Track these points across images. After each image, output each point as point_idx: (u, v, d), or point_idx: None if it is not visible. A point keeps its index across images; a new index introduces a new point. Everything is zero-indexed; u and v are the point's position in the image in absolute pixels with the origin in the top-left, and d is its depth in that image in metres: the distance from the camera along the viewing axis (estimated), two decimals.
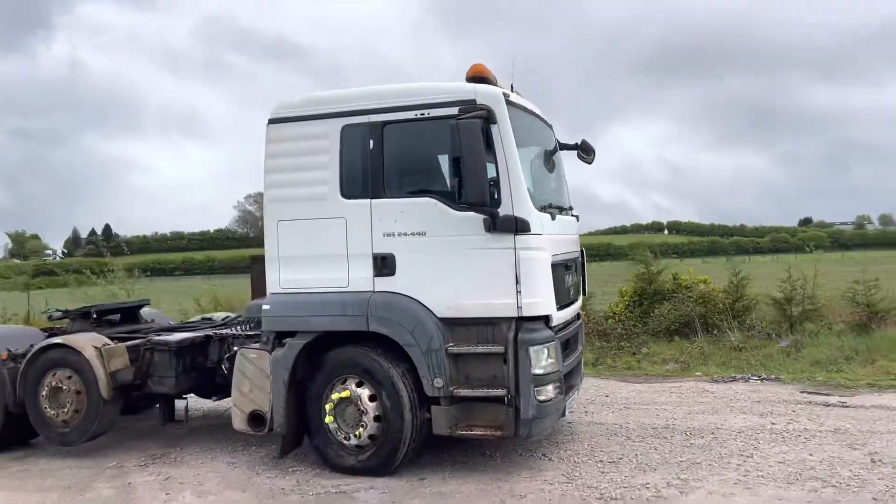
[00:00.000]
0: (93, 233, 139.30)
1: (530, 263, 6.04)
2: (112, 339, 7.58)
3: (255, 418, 6.69)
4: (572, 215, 7.48)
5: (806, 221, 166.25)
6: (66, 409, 7.27)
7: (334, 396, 6.39)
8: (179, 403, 7.78)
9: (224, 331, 7.83)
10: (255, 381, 6.67)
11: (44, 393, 7.33)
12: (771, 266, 17.49)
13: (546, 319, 6.27)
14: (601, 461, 6.48)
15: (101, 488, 6.38)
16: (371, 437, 6.31)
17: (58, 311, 8.52)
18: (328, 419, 6.42)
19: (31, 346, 7.61)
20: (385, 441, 6.26)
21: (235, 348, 7.45)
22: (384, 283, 6.34)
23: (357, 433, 6.32)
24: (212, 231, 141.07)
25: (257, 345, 6.88)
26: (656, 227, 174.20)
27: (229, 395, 7.69)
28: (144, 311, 9.28)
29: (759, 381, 10.28)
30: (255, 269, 7.62)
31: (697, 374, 11.06)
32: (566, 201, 7.49)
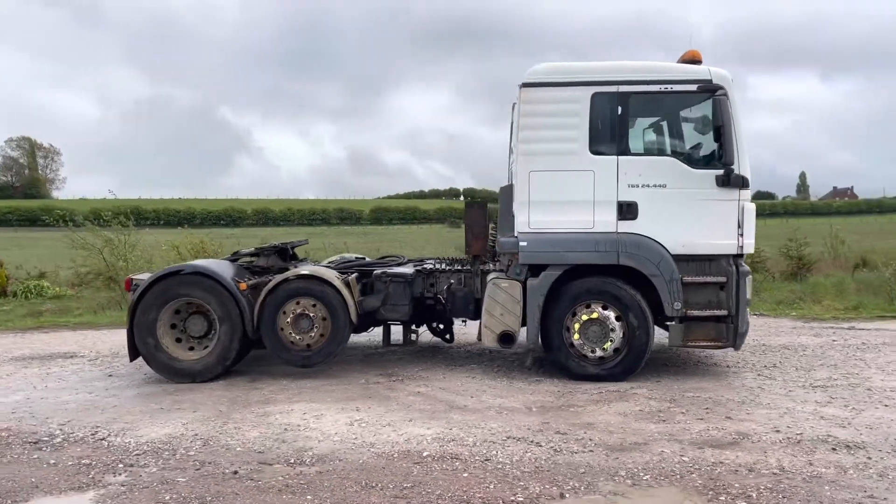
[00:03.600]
0: None
1: (749, 213, 7.79)
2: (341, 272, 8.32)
3: (504, 337, 7.88)
4: None
5: None
6: (311, 334, 7.95)
7: (583, 318, 7.79)
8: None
9: (429, 266, 8.81)
10: (507, 306, 7.86)
11: (288, 319, 7.95)
12: None
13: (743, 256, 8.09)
14: (766, 367, 8.46)
15: (398, 396, 7.30)
16: (615, 350, 7.79)
17: (254, 248, 8.94)
18: (575, 337, 7.80)
19: (269, 277, 8.14)
20: (629, 352, 7.77)
21: (452, 281, 8.56)
22: (626, 226, 7.79)
23: (605, 347, 7.77)
24: None
25: (497, 274, 8.10)
26: (453, 193, 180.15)
27: (440, 322, 8.82)
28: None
29: (754, 316, 12.80)
30: (472, 213, 8.63)
31: None
32: None
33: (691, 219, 7.75)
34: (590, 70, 7.88)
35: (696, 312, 7.76)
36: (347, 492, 4.93)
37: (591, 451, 5.65)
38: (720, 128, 7.49)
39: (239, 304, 7.91)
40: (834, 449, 5.57)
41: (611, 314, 7.78)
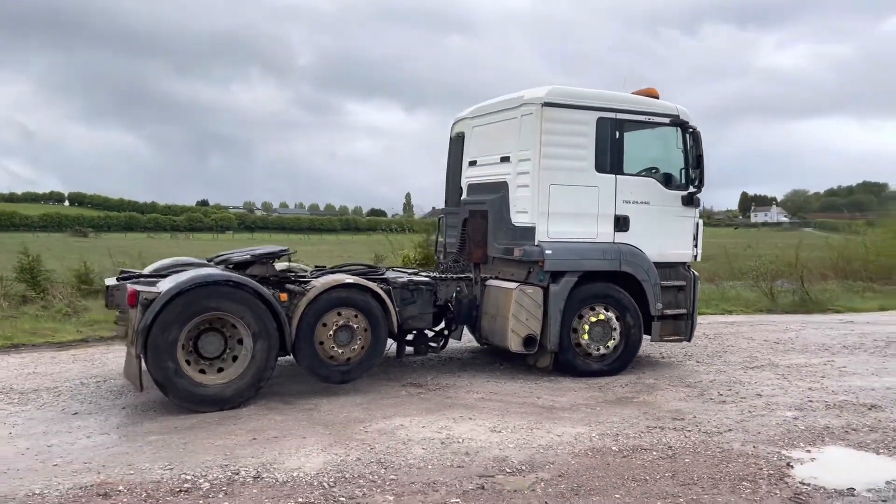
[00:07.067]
0: None
1: (700, 227, 9.39)
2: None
3: (528, 340, 8.34)
4: None
5: (204, 203, 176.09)
6: (353, 347, 7.47)
7: (592, 319, 8.62)
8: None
9: (431, 274, 8.76)
10: (531, 311, 8.32)
11: (330, 332, 7.37)
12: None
13: None
14: (686, 356, 10.15)
15: (474, 404, 7.29)
16: (614, 347, 8.75)
17: (249, 255, 7.85)
18: (584, 337, 8.60)
19: (306, 287, 7.39)
20: (626, 349, 8.80)
21: (458, 288, 8.70)
22: (620, 237, 8.82)
23: (608, 345, 8.68)
24: None
25: (504, 282, 8.58)
26: (56, 198, 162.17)
27: (447, 328, 8.87)
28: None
29: None
30: (473, 222, 8.71)
31: None
32: None
33: (665, 231, 9.07)
34: (596, 97, 8.75)
35: (669, 311, 9.07)
36: (648, 485, 5.14)
37: (731, 429, 6.55)
38: (699, 157, 8.96)
39: (278, 318, 7.10)
40: (870, 409, 7.28)
41: (612, 315, 8.71)
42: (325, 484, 5.15)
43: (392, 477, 5.30)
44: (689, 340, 9.43)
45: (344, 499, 4.91)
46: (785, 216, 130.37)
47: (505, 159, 8.91)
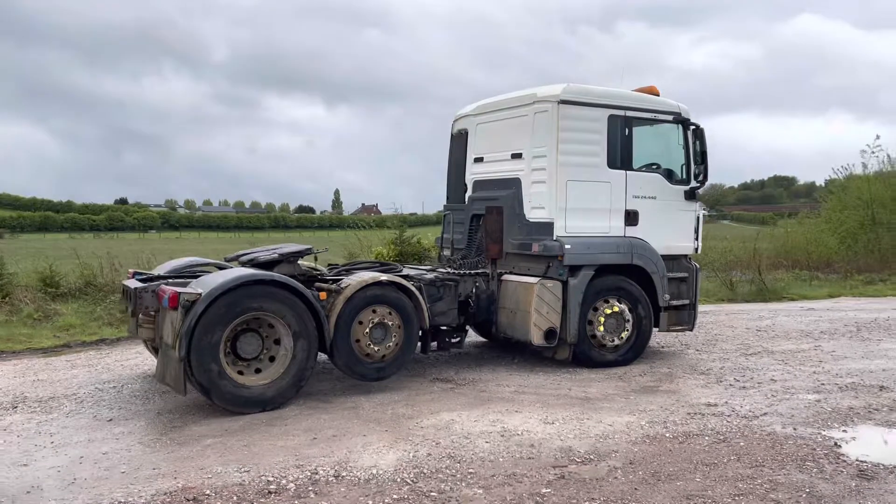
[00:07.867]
0: None
1: (701, 220, 9.76)
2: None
3: (549, 333, 8.51)
4: None
5: (123, 201, 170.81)
6: (388, 344, 7.49)
7: (607, 311, 8.86)
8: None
9: (451, 270, 8.83)
10: (551, 305, 8.50)
11: (366, 330, 7.37)
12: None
13: None
14: (684, 345, 10.52)
15: (511, 397, 7.39)
16: (627, 338, 9.01)
17: (277, 254, 7.73)
18: (600, 329, 8.83)
19: (341, 284, 7.36)
20: (638, 339, 9.07)
21: (477, 284, 8.79)
22: (630, 231, 9.09)
23: (621, 336, 8.93)
24: None
25: (522, 277, 8.75)
26: None
27: (467, 323, 8.95)
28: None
29: None
30: (489, 218, 8.78)
31: None
32: None
33: (670, 225, 9.38)
34: (606, 94, 8.97)
35: (675, 302, 9.40)
36: (720, 469, 5.36)
37: (765, 413, 6.86)
38: (704, 153, 9.30)
39: (318, 317, 7.05)
40: (880, 390, 7.74)
41: (625, 307, 8.97)
42: (407, 480, 5.18)
43: (470, 470, 5.37)
44: (691, 329, 9.79)
45: (435, 494, 4.96)
46: (704, 209, 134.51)
47: (516, 156, 9.04)
